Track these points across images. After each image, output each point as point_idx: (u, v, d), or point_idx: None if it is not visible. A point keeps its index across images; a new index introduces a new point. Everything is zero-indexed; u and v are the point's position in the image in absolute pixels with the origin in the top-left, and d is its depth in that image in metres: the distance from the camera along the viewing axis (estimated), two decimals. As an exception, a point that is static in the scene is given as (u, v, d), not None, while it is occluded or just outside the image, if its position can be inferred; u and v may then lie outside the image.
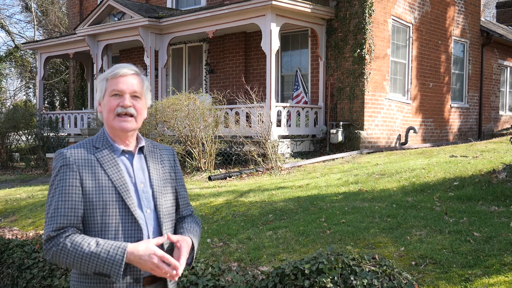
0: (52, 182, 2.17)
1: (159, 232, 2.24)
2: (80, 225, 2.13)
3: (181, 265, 2.13)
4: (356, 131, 12.27)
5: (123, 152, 2.26)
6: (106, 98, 2.23)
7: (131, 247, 2.06)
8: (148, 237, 2.19)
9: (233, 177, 9.91)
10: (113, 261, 2.02)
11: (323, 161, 11.08)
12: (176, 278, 2.12)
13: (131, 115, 2.22)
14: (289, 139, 12.06)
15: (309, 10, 12.12)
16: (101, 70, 15.41)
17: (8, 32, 29.88)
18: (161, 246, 2.19)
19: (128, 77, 2.24)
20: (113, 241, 2.09)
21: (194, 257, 2.30)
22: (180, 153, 10.66)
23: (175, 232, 2.33)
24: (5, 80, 29.90)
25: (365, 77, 12.22)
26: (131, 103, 2.22)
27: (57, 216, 2.10)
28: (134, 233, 2.16)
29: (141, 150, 2.32)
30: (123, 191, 2.17)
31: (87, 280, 2.15)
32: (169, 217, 2.30)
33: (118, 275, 2.03)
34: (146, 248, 2.06)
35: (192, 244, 2.24)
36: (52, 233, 2.08)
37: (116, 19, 14.52)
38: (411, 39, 13.80)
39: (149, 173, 2.28)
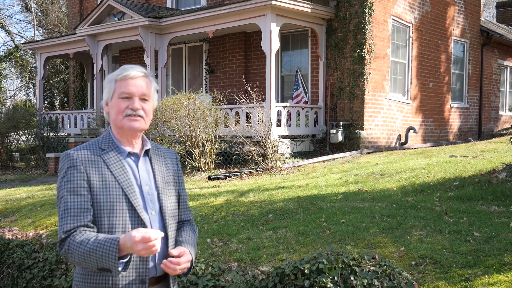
0: (60, 184, 2.19)
1: (164, 234, 2.24)
2: (91, 224, 2.15)
3: (182, 261, 2.15)
4: (356, 131, 12.27)
5: (129, 154, 2.28)
6: (115, 99, 2.24)
7: (122, 237, 2.06)
8: None
9: (233, 177, 9.91)
10: (108, 253, 2.04)
11: (323, 161, 11.08)
12: (155, 250, 2.05)
13: (140, 116, 2.24)
14: (289, 139, 12.06)
15: (309, 10, 12.12)
16: (101, 70, 15.40)
17: (8, 32, 29.87)
18: (165, 250, 2.22)
19: (137, 80, 2.26)
20: (109, 235, 2.11)
21: (192, 268, 2.30)
22: (180, 153, 10.65)
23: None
24: (5, 80, 29.88)
25: (365, 77, 12.22)
26: (140, 105, 2.24)
27: (67, 217, 2.13)
28: None
29: (146, 152, 2.34)
30: (130, 193, 2.19)
31: (89, 280, 2.18)
32: (173, 219, 2.34)
33: (116, 268, 2.04)
34: (129, 234, 2.04)
35: (191, 257, 2.25)
36: (63, 234, 2.12)
37: (116, 19, 14.52)
38: (411, 39, 13.79)
39: (154, 175, 2.31)
